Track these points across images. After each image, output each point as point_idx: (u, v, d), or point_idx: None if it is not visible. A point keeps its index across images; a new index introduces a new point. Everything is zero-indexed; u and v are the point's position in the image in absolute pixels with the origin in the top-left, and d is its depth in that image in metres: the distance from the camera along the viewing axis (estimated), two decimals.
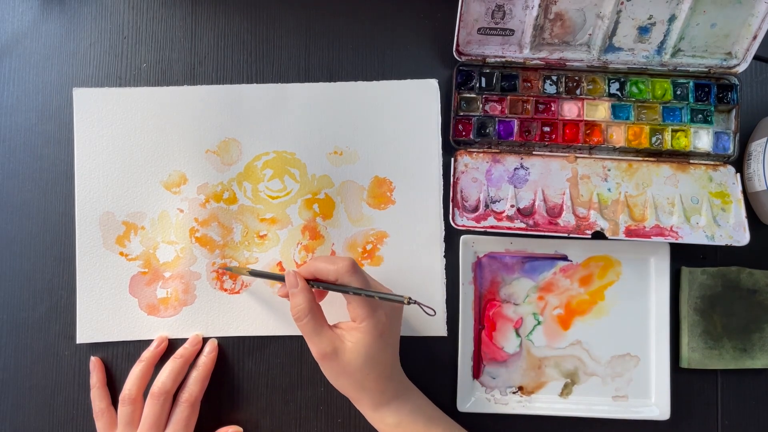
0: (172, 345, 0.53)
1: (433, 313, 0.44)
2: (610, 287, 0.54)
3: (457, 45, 0.52)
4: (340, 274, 0.45)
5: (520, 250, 0.53)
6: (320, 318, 0.46)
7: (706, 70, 0.53)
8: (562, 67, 0.53)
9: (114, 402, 0.52)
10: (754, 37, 0.50)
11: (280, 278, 0.48)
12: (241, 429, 0.52)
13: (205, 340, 0.53)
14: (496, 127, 0.54)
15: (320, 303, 0.49)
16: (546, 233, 0.51)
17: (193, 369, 0.52)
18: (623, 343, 0.53)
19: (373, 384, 0.46)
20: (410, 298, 0.44)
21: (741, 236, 0.51)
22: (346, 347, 0.45)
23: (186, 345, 0.52)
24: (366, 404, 0.47)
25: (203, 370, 0.52)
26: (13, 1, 0.56)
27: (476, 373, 0.53)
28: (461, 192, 0.53)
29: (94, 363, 0.53)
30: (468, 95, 0.54)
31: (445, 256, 0.54)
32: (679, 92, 0.53)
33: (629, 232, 0.51)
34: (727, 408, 0.53)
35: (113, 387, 0.53)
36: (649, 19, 0.50)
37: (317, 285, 0.47)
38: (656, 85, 0.53)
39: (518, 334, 0.53)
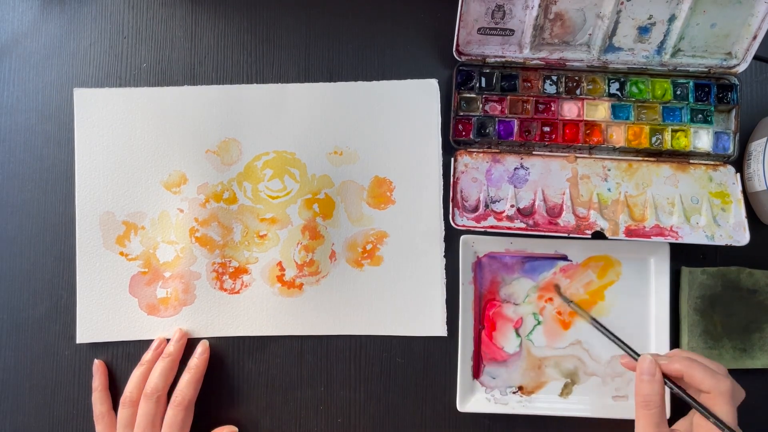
0: None
1: None
2: (610, 287, 0.54)
3: (457, 45, 0.52)
4: (716, 394, 0.41)
5: (520, 250, 0.53)
6: (664, 414, 0.43)
7: (706, 70, 0.53)
8: (562, 67, 0.53)
9: (114, 405, 0.52)
10: (754, 37, 0.50)
11: (635, 355, 0.46)
12: (236, 429, 0.52)
13: (201, 340, 0.53)
14: (496, 127, 0.54)
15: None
16: (546, 233, 0.51)
17: (185, 371, 0.52)
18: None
19: None
20: None
21: (741, 236, 0.51)
22: None
23: (171, 342, 0.52)
24: None
25: (195, 372, 0.51)
26: (13, 1, 0.56)
27: (476, 373, 0.53)
28: (461, 192, 0.53)
29: (97, 366, 0.53)
30: (468, 95, 0.54)
31: (445, 256, 0.54)
32: (679, 92, 0.53)
33: (629, 232, 0.51)
34: None
35: (113, 387, 0.53)
36: (649, 19, 0.50)
37: (677, 388, 0.43)
38: (656, 85, 0.53)
39: (518, 334, 0.53)
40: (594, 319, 0.49)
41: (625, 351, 0.48)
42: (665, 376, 0.44)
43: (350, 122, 0.54)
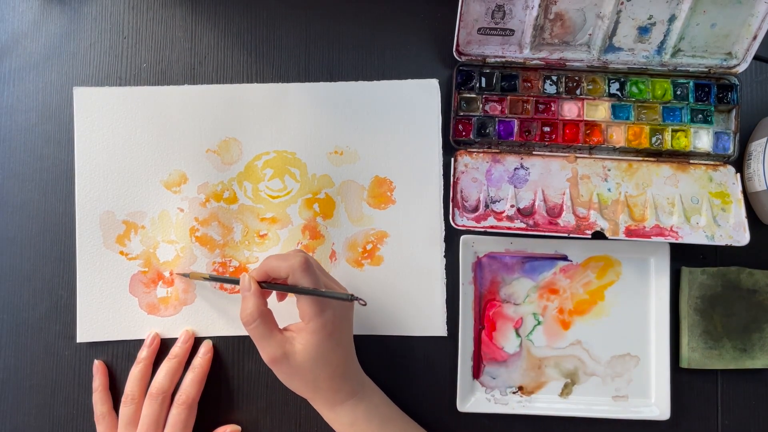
0: (172, 345, 0.53)
1: (364, 303, 0.44)
2: (610, 287, 0.54)
3: (457, 45, 0.52)
4: (292, 270, 0.44)
5: (520, 250, 0.53)
6: (270, 322, 0.46)
7: (706, 70, 0.53)
8: (562, 67, 0.53)
9: (115, 405, 0.52)
10: (754, 37, 0.50)
11: (236, 281, 0.48)
12: (239, 428, 0.52)
13: (201, 340, 0.53)
14: (496, 127, 0.54)
15: (281, 302, 0.49)
16: (546, 233, 0.51)
17: (188, 371, 0.52)
18: (623, 343, 0.53)
19: (326, 383, 0.46)
20: (352, 295, 0.44)
21: (741, 236, 0.51)
22: (296, 349, 0.45)
23: (178, 343, 0.52)
24: (321, 404, 0.47)
25: (199, 371, 0.52)
26: (13, 1, 0.56)
27: (476, 373, 0.53)
28: (461, 192, 0.53)
29: (98, 366, 0.53)
30: (468, 95, 0.54)
31: (445, 256, 0.54)
32: (679, 92, 0.53)
33: (629, 232, 0.51)
34: (727, 408, 0.53)
35: (113, 386, 0.53)
36: (649, 19, 0.50)
37: (267, 286, 0.46)
38: (656, 85, 0.53)
39: (518, 334, 0.53)
40: (211, 275, 0.51)
41: (231, 283, 0.51)
42: (261, 284, 0.46)
43: (350, 122, 0.54)
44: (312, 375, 0.45)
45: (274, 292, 0.49)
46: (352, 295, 0.44)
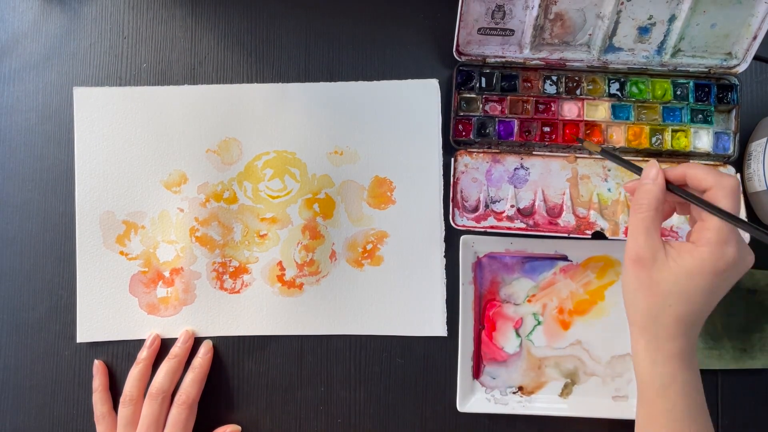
0: (172, 344, 0.53)
1: None
2: (610, 287, 0.54)
3: (457, 45, 0.52)
4: (719, 185, 0.37)
5: (520, 250, 0.53)
6: (657, 222, 0.39)
7: (706, 70, 0.53)
8: (562, 67, 0.53)
9: (115, 405, 0.52)
10: (754, 37, 0.50)
11: (638, 169, 0.42)
12: (239, 428, 0.52)
13: (201, 340, 0.53)
14: (496, 127, 0.54)
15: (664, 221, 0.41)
16: (546, 233, 0.51)
17: (188, 371, 0.52)
18: (623, 343, 0.53)
19: (669, 321, 0.39)
20: None
21: None
22: (668, 264, 0.38)
23: (178, 344, 0.52)
24: (645, 342, 0.40)
25: (199, 371, 0.52)
26: (13, 1, 0.56)
27: (476, 373, 0.53)
28: (461, 192, 0.53)
29: (98, 367, 0.53)
30: (468, 95, 0.54)
31: (445, 256, 0.54)
32: (679, 92, 0.53)
33: None
34: (727, 408, 0.53)
35: (113, 386, 0.53)
36: (649, 19, 0.50)
37: (677, 190, 0.40)
38: (656, 85, 0.53)
39: (518, 334, 0.53)
40: (605, 150, 0.45)
41: (629, 169, 0.44)
42: (668, 183, 0.40)
43: (350, 122, 0.54)
44: (662, 301, 0.38)
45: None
46: None
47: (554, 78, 0.54)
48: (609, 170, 0.53)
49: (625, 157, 0.49)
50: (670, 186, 0.40)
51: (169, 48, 0.55)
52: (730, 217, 0.37)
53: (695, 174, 0.39)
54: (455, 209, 0.52)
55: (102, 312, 0.53)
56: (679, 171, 0.40)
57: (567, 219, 0.52)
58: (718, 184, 0.38)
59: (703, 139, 0.53)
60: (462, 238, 0.53)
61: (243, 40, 0.55)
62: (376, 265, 0.54)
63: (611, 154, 0.45)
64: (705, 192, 0.38)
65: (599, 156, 0.49)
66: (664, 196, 0.40)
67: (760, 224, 0.53)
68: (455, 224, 0.52)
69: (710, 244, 0.37)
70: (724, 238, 0.37)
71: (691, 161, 0.44)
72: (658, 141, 0.53)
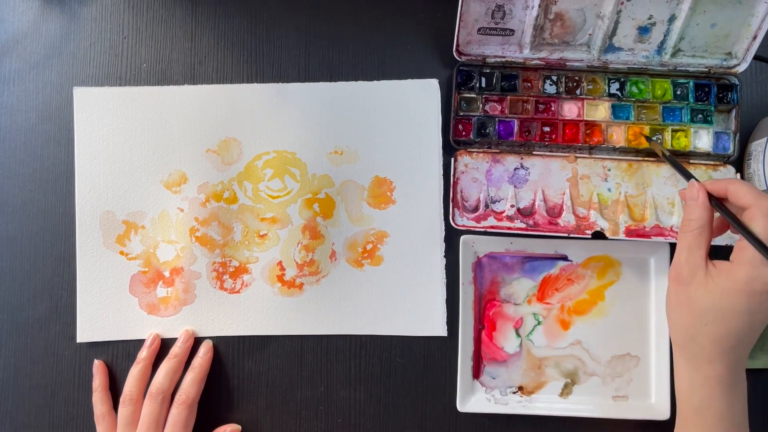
0: (172, 344, 0.53)
1: None
2: (610, 287, 0.54)
3: (457, 45, 0.52)
4: (757, 208, 0.37)
5: (520, 250, 0.53)
6: (705, 242, 0.40)
7: (706, 70, 0.53)
8: (562, 67, 0.53)
9: (115, 405, 0.52)
10: (754, 37, 0.50)
11: (687, 177, 0.43)
12: (239, 428, 0.52)
13: (201, 340, 0.53)
14: (496, 127, 0.54)
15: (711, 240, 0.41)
16: (546, 233, 0.51)
17: (188, 371, 0.52)
18: (623, 343, 0.53)
19: (705, 342, 0.39)
20: None
21: None
22: (706, 282, 0.39)
23: (178, 343, 0.52)
24: (684, 361, 0.41)
25: (199, 371, 0.52)
26: (13, 1, 0.56)
27: (476, 373, 0.53)
28: (461, 192, 0.53)
29: (98, 366, 0.53)
30: (468, 95, 0.54)
31: (445, 256, 0.54)
32: (679, 92, 0.53)
33: (629, 232, 0.51)
34: None
35: (113, 386, 0.53)
36: (649, 19, 0.50)
37: (716, 205, 0.40)
38: (656, 85, 0.53)
39: (518, 334, 0.53)
40: (669, 156, 0.46)
41: (683, 175, 0.45)
42: (711, 197, 0.40)
43: (350, 122, 0.54)
44: (698, 320, 0.39)
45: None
46: None
47: (554, 78, 0.54)
48: (609, 170, 0.53)
49: (671, 160, 0.49)
50: (712, 201, 0.40)
51: (169, 48, 0.55)
52: (757, 242, 0.37)
53: (736, 191, 0.39)
54: (455, 209, 0.52)
55: (102, 312, 0.53)
56: (721, 186, 0.40)
57: (567, 219, 0.52)
58: (756, 204, 0.38)
59: (703, 139, 0.53)
60: (462, 238, 0.53)
61: (243, 40, 0.55)
62: (376, 265, 0.54)
63: (674, 160, 0.46)
64: (744, 210, 0.39)
65: (660, 159, 0.50)
66: (709, 215, 0.40)
67: None
68: (455, 224, 0.52)
69: (746, 264, 0.37)
70: (758, 262, 0.37)
71: (735, 177, 0.45)
72: (659, 141, 0.53)
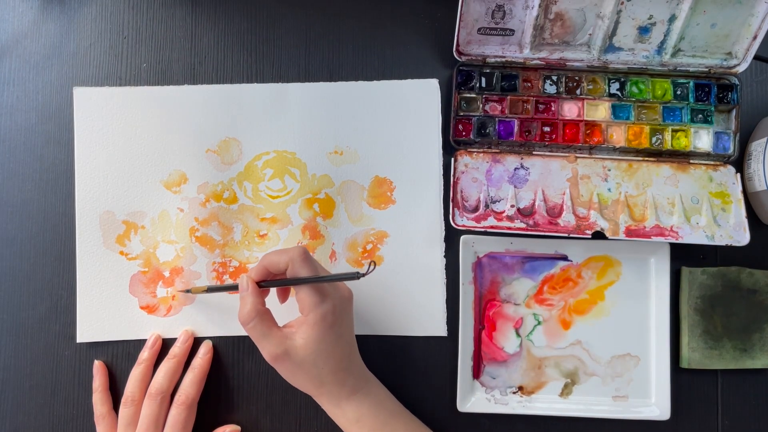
0: (171, 345, 0.53)
1: (373, 267, 0.42)
2: (610, 287, 0.54)
3: (457, 45, 0.52)
4: (291, 260, 0.44)
5: (520, 250, 0.53)
6: (268, 320, 0.45)
7: (706, 70, 0.53)
8: (562, 67, 0.53)
9: (115, 405, 0.52)
10: (754, 37, 0.50)
11: (235, 287, 0.47)
12: (239, 428, 0.52)
13: (201, 340, 0.53)
14: (496, 127, 0.54)
15: (282, 304, 0.49)
16: (546, 233, 0.51)
17: (188, 371, 0.52)
18: (623, 343, 0.53)
19: (330, 377, 0.45)
20: (358, 272, 0.43)
21: (741, 236, 0.51)
22: (297, 344, 0.44)
23: (178, 344, 0.52)
24: (326, 399, 0.47)
25: (199, 371, 0.51)
26: (13, 1, 0.56)
27: (476, 373, 0.53)
28: (461, 192, 0.53)
29: (98, 367, 0.53)
30: (468, 95, 0.54)
31: (445, 256, 0.54)
32: (679, 92, 0.53)
33: (629, 232, 0.51)
34: (727, 408, 0.53)
35: (113, 386, 0.53)
36: (649, 19, 0.50)
37: (266, 284, 0.46)
38: (656, 85, 0.53)
39: (518, 334, 0.53)
40: (210, 287, 0.51)
41: (231, 290, 0.49)
42: (260, 283, 0.46)
43: (350, 122, 0.54)
44: (315, 370, 0.45)
45: (273, 291, 0.49)
46: (358, 272, 0.43)
47: (554, 78, 0.54)
48: (609, 170, 0.53)
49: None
50: (262, 284, 0.46)
51: (169, 48, 0.55)
52: (310, 279, 0.43)
53: (270, 261, 0.45)
54: (455, 209, 0.52)
55: (102, 312, 0.53)
56: (260, 267, 0.46)
57: (567, 219, 0.52)
58: (290, 260, 0.44)
59: (703, 139, 0.53)
60: (462, 238, 0.53)
61: (243, 40, 0.55)
62: (377, 264, 0.54)
63: (214, 287, 0.50)
64: (287, 270, 0.44)
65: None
66: (260, 298, 0.46)
67: (760, 224, 0.53)
68: (455, 224, 0.52)
69: (313, 309, 0.44)
70: (318, 299, 0.44)
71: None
72: (658, 141, 0.53)
